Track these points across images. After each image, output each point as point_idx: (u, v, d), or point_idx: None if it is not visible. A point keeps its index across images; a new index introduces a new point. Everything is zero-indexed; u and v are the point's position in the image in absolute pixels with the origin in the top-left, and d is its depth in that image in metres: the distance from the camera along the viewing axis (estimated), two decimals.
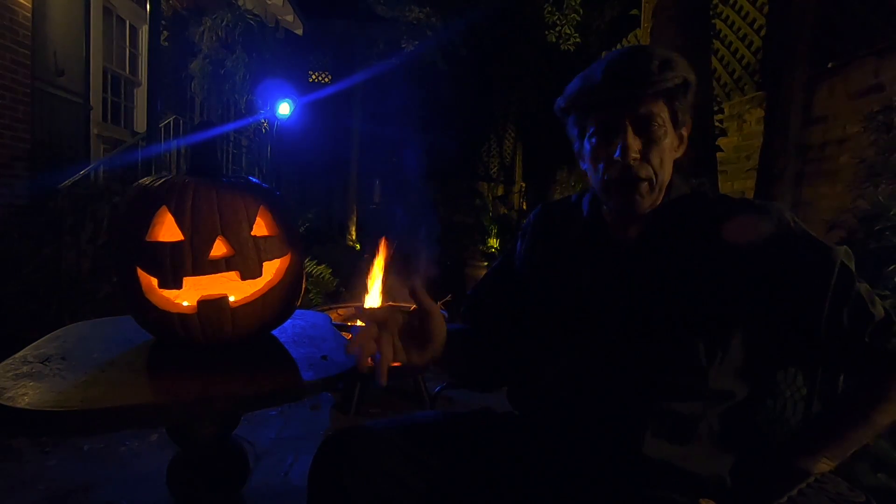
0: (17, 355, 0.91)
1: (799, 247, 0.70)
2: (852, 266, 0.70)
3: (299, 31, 7.51)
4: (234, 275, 0.95)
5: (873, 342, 0.68)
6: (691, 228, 0.75)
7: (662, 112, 0.72)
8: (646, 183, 0.73)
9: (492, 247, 6.55)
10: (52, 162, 3.65)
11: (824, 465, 0.68)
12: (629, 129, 0.72)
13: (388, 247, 2.85)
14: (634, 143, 0.72)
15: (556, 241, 0.87)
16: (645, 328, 0.72)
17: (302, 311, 1.30)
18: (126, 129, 4.92)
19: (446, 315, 2.62)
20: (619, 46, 5.42)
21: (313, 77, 8.80)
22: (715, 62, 3.66)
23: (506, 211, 7.75)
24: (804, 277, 0.69)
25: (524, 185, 8.26)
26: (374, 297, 2.84)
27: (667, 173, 0.75)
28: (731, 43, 3.68)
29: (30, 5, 3.55)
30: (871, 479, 1.32)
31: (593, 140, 0.76)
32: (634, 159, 0.72)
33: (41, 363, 0.87)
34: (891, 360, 0.67)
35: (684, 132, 0.78)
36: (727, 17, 3.67)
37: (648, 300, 0.73)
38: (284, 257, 1.02)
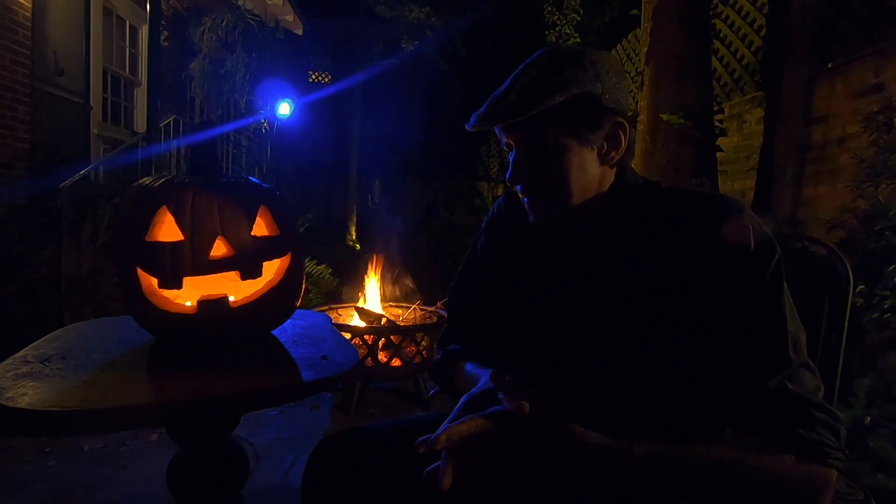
0: (17, 355, 0.91)
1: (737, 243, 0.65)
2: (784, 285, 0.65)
3: (299, 31, 7.52)
4: (234, 275, 0.95)
5: (775, 398, 0.60)
6: (648, 225, 0.71)
7: (552, 131, 0.69)
8: (544, 203, 0.72)
9: None
10: (52, 162, 3.65)
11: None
12: (517, 149, 0.73)
13: (382, 260, 2.87)
14: (519, 167, 0.72)
15: (518, 236, 0.85)
16: (610, 333, 0.70)
17: (302, 311, 1.30)
18: (126, 129, 4.92)
19: (446, 315, 2.62)
20: (618, 47, 5.43)
21: (313, 77, 8.81)
22: (715, 62, 3.66)
23: None
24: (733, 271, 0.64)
25: None
26: (371, 302, 2.84)
27: (579, 185, 0.71)
28: (731, 43, 3.67)
29: (30, 5, 3.55)
30: (870, 479, 1.32)
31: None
32: (524, 183, 0.73)
33: (41, 363, 0.87)
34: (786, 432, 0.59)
35: (618, 132, 0.72)
36: (727, 17, 3.67)
37: (610, 304, 0.71)
38: (284, 257, 1.02)
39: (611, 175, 0.75)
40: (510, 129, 0.73)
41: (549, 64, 0.71)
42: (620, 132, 0.72)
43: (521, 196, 0.75)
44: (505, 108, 0.69)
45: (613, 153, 0.73)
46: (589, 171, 0.72)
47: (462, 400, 0.68)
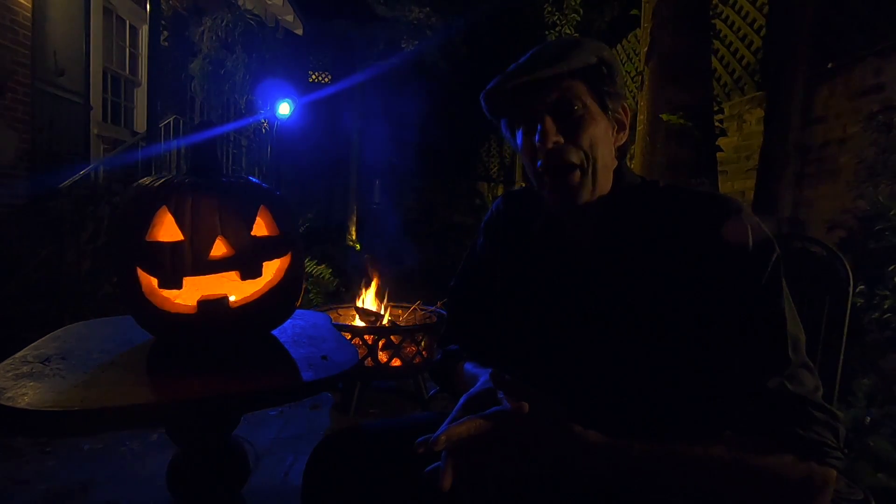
0: (17, 355, 0.91)
1: (737, 242, 0.65)
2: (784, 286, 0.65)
3: (299, 31, 7.52)
4: (234, 275, 0.95)
5: (775, 399, 0.60)
6: (647, 225, 0.71)
7: (582, 94, 0.70)
8: (577, 171, 0.70)
9: None
10: (52, 162, 3.66)
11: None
12: (547, 114, 0.70)
13: (376, 268, 2.87)
14: (553, 127, 0.70)
15: (517, 237, 0.85)
16: (609, 333, 0.70)
17: (302, 311, 1.30)
18: (126, 129, 4.92)
19: (445, 315, 2.62)
20: (618, 47, 5.43)
21: (313, 77, 8.81)
22: (715, 62, 3.66)
23: None
24: (734, 271, 0.65)
25: (524, 185, 8.24)
26: (371, 302, 2.84)
27: (603, 159, 0.71)
28: (731, 43, 3.68)
29: (30, 5, 3.55)
30: (871, 479, 1.32)
31: (520, 134, 0.74)
32: (556, 143, 0.69)
33: (41, 363, 0.87)
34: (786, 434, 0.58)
35: (623, 117, 0.74)
36: (727, 17, 3.67)
37: (609, 305, 0.71)
38: (284, 257, 1.02)
39: (614, 165, 0.75)
40: (541, 90, 0.70)
41: (566, 40, 0.74)
42: (624, 115, 0.75)
43: (545, 171, 0.72)
44: (541, 61, 0.69)
45: (622, 135, 0.75)
46: (609, 148, 0.73)
47: (461, 400, 0.68)
